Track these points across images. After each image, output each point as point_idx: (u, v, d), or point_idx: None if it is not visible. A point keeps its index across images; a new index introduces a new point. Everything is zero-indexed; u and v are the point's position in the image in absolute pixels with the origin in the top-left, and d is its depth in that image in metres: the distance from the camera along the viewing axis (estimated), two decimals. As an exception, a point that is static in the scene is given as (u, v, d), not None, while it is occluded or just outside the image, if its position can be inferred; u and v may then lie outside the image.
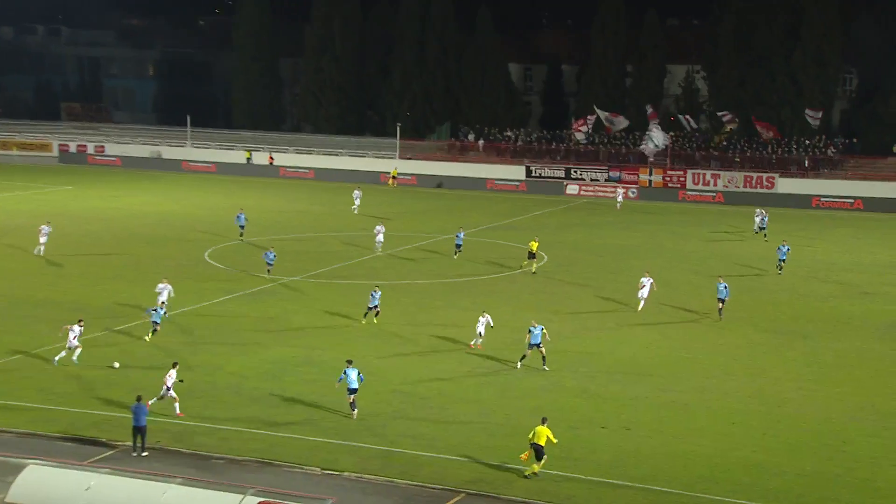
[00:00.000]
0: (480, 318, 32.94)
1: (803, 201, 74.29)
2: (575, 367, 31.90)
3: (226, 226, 57.17)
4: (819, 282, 46.31)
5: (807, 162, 79.98)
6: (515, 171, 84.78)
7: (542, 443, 22.29)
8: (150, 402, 24.88)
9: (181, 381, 26.07)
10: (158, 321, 32.97)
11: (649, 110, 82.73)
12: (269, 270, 43.72)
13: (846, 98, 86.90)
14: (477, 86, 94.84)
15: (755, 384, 30.42)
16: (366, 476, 22.51)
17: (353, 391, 25.83)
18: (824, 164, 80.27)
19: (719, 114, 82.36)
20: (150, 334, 32.96)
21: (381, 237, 50.74)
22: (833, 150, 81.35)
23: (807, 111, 79.34)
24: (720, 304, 37.97)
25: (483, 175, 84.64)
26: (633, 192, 79.88)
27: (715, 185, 78.85)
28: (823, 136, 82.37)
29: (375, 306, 35.95)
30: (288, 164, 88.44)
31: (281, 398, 27.52)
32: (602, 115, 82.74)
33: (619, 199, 72.69)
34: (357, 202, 66.29)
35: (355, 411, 25.87)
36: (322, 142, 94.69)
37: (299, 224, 60.84)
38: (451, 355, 32.41)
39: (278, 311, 37.61)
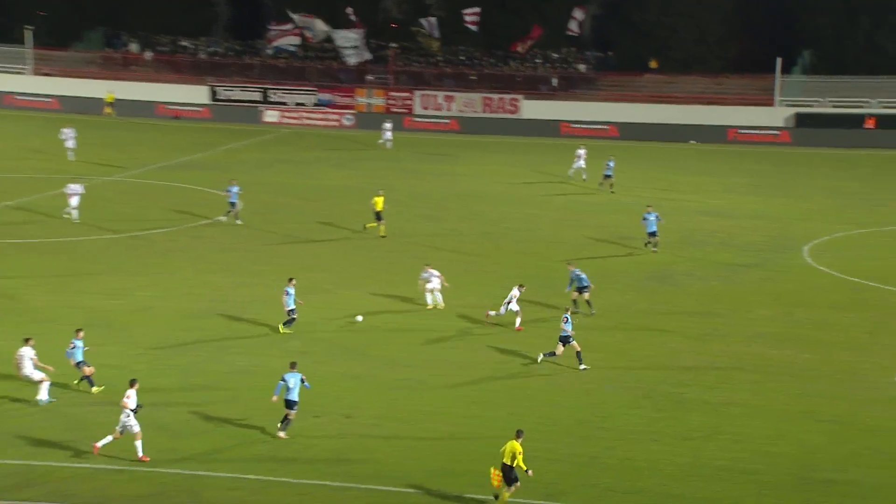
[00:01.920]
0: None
1: (550, 128, 78.83)
2: (284, 342, 31.97)
3: None
4: (575, 225, 49.45)
5: (554, 80, 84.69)
6: (196, 93, 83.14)
7: (511, 461, 22.22)
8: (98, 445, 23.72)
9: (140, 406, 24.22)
10: None
11: (351, 15, 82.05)
12: None
13: (597, 2, 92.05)
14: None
15: (500, 355, 31.93)
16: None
17: (292, 404, 25.18)
18: (575, 83, 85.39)
19: (423, 20, 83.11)
20: None
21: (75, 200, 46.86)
22: (585, 66, 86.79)
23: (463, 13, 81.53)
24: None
25: (152, 97, 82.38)
26: (348, 119, 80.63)
27: (449, 109, 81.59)
28: (573, 50, 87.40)
29: None
30: None
31: None
32: (296, 19, 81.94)
33: (388, 135, 70.46)
34: (70, 144, 62.59)
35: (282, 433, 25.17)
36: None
37: None
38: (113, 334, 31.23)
39: None
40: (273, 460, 24.00)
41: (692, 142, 75.65)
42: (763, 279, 40.41)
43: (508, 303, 33.90)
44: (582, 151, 58.96)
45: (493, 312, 34.21)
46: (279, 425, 25.25)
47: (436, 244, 44.38)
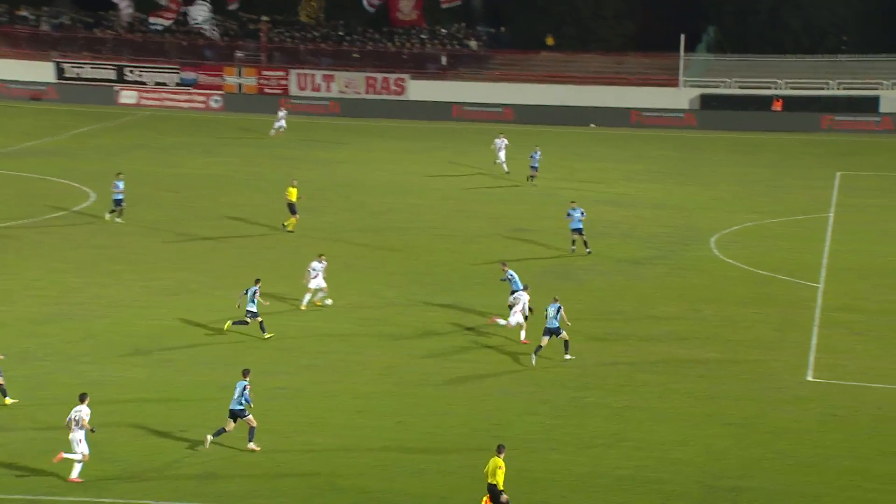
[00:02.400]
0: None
1: (441, 110, 79.20)
2: (140, 350, 31.54)
3: None
4: (466, 216, 49.77)
5: (444, 59, 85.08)
6: (39, 70, 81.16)
7: (496, 480, 22.23)
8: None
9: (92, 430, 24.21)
10: None
11: None
12: None
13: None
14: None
15: (386, 357, 32.03)
16: None
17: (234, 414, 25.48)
18: (466, 62, 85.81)
19: None
20: None
21: None
22: (476, 43, 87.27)
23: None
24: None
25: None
26: (215, 101, 79.62)
27: (328, 90, 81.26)
28: (463, 24, 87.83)
29: None
30: None
31: None
32: None
33: (282, 123, 68.61)
34: None
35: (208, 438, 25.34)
36: None
37: None
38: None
39: None
40: (133, 479, 23.66)
41: (592, 125, 76.81)
42: (668, 273, 41.29)
43: (516, 310, 33.10)
44: (501, 142, 57.78)
45: (501, 321, 33.32)
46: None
47: (313, 238, 44.16)
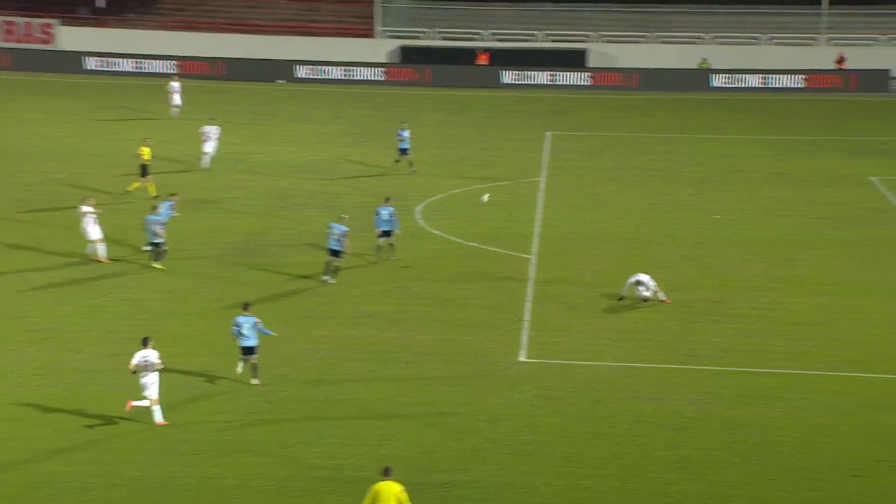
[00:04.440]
0: None
1: (99, 62, 76.59)
2: None
3: None
4: (138, 189, 48.63)
5: (100, 0, 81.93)
6: None
7: None
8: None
9: None
10: None
11: None
12: None
13: None
14: None
15: (38, 354, 31.20)
16: None
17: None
18: (127, 5, 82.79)
19: None
20: None
21: None
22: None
23: None
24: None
25: None
26: None
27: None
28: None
29: None
30: None
31: None
32: None
33: (177, 100, 63.76)
34: None
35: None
36: None
37: None
38: None
39: None
40: None
41: (279, 81, 76.60)
42: (372, 247, 41.78)
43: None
44: (211, 129, 53.06)
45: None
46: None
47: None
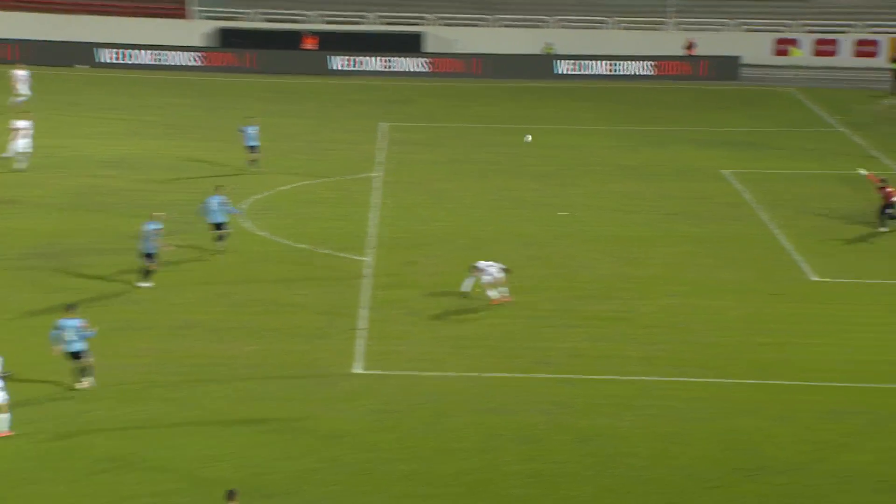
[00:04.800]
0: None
1: None
2: None
3: None
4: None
5: None
6: None
7: None
8: None
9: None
10: None
11: None
12: None
13: None
14: None
15: None
16: None
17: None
18: None
19: None
20: None
21: None
22: None
23: None
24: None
25: None
26: None
27: None
28: None
29: None
30: None
31: None
32: None
33: (23, 90, 61.69)
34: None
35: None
36: None
37: None
38: None
39: None
40: None
41: (79, 66, 75.21)
42: (190, 251, 41.51)
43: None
44: (22, 124, 51.66)
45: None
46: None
47: None
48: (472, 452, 27.95)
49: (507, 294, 37.33)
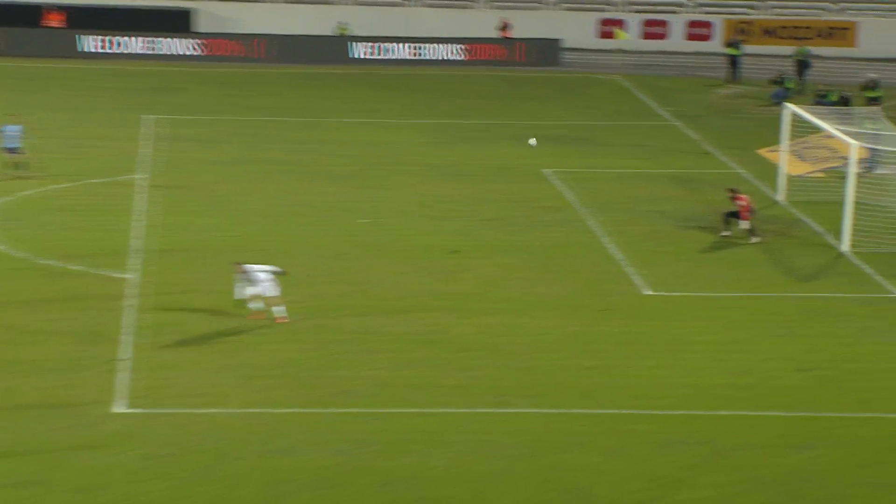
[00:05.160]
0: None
1: None
2: None
3: None
4: None
5: None
6: None
7: None
8: None
9: None
10: None
11: None
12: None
13: None
14: None
15: None
16: None
17: None
18: None
19: None
20: None
21: None
22: None
23: None
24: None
25: None
26: None
27: None
28: None
29: None
30: None
31: None
32: None
33: None
34: None
35: None
36: None
37: None
38: None
39: None
40: None
41: None
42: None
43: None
44: None
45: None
46: None
47: None
48: (256, 501, 27.49)
49: (283, 314, 36.91)
